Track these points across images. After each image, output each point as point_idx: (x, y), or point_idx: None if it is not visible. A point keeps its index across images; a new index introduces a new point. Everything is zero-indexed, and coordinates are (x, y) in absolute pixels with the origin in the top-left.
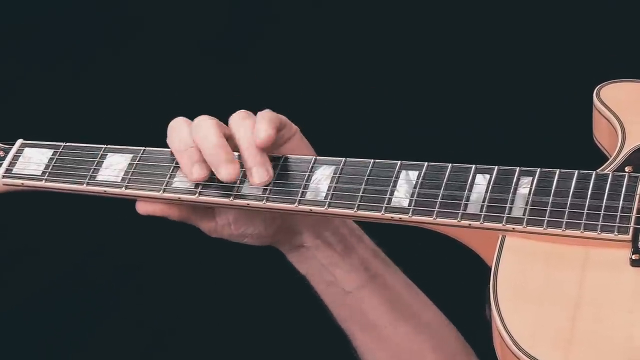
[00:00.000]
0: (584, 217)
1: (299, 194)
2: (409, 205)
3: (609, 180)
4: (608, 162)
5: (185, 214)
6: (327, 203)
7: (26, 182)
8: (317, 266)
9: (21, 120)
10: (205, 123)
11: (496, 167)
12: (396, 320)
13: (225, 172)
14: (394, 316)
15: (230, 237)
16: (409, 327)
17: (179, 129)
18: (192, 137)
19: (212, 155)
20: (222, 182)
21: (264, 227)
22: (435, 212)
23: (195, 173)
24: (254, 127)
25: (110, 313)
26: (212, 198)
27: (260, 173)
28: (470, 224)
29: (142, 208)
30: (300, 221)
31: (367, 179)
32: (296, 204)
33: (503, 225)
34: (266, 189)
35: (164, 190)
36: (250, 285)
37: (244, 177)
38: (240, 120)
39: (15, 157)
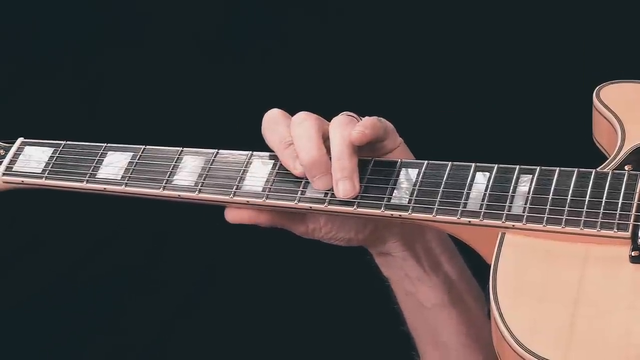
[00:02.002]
0: (584, 214)
1: (299, 192)
2: (409, 202)
3: (609, 177)
4: (607, 161)
5: (277, 220)
6: (327, 201)
7: (26, 180)
8: (400, 275)
9: (22, 118)
10: (305, 126)
11: (496, 165)
12: (467, 347)
13: (320, 184)
14: (467, 342)
15: (322, 239)
16: (478, 356)
17: (275, 124)
18: (291, 134)
19: (307, 168)
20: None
21: (355, 232)
22: (435, 209)
23: (299, 169)
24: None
25: (110, 313)
26: (211, 196)
27: (345, 186)
28: (470, 221)
29: (232, 216)
30: (392, 229)
31: (368, 177)
32: (295, 202)
33: (503, 222)
34: (265, 187)
35: (164, 188)
36: (251, 285)
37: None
38: (339, 125)
39: (16, 156)
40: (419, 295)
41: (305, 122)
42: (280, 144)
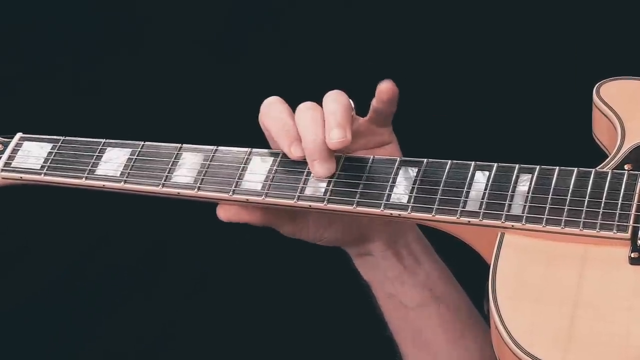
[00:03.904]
0: (583, 214)
1: (299, 190)
2: (408, 201)
3: (609, 178)
4: (607, 159)
5: (269, 219)
6: (326, 199)
7: (25, 176)
8: (381, 277)
9: (20, 113)
10: (312, 111)
11: (495, 164)
12: (451, 343)
13: (320, 170)
14: (450, 338)
15: (307, 239)
16: (463, 352)
17: (275, 110)
18: (295, 119)
19: (310, 151)
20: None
21: (341, 233)
22: (434, 208)
23: (295, 152)
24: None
25: (110, 312)
26: (211, 193)
27: (338, 134)
28: (469, 221)
29: (224, 214)
30: (374, 229)
31: (367, 175)
32: (295, 200)
33: (502, 222)
34: (265, 184)
35: (163, 185)
36: (252, 285)
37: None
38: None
39: (14, 151)
40: (400, 296)
41: (313, 107)
42: (279, 127)
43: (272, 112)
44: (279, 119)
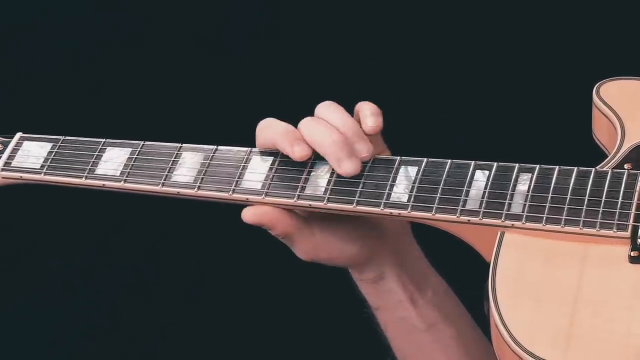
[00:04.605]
0: (583, 213)
1: (299, 189)
2: (408, 200)
3: (608, 177)
4: (607, 159)
5: (291, 228)
6: (326, 198)
7: (25, 175)
8: (393, 300)
9: (20, 113)
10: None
11: (495, 164)
12: None
13: (349, 166)
14: (461, 357)
15: (322, 259)
16: None
17: (272, 123)
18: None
19: (339, 145)
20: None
21: (357, 251)
22: (434, 208)
23: (299, 152)
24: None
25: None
26: (210, 193)
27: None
28: (469, 220)
29: (250, 216)
30: (383, 251)
31: (367, 174)
32: (295, 199)
33: (502, 221)
34: (265, 184)
35: (163, 184)
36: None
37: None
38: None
39: (14, 151)
40: (413, 318)
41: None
42: (282, 131)
43: (269, 123)
44: (279, 125)
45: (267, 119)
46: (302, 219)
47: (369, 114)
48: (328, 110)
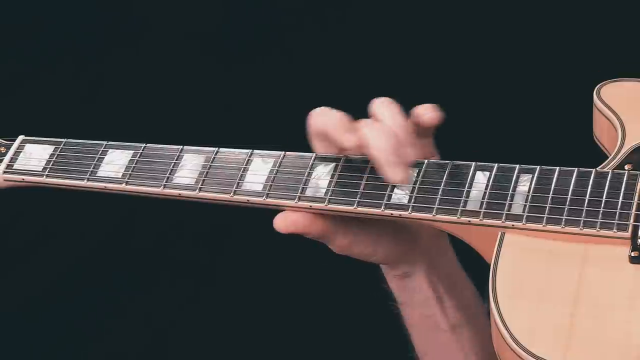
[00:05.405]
0: (583, 214)
1: (299, 190)
2: (409, 201)
3: (609, 177)
4: (608, 160)
5: (326, 230)
6: (327, 200)
7: (27, 178)
8: (420, 298)
9: (22, 116)
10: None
11: (496, 165)
12: None
13: (399, 174)
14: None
15: (358, 255)
16: None
17: (328, 110)
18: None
19: (394, 147)
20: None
21: (390, 250)
22: (434, 208)
23: (351, 141)
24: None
25: (110, 312)
26: (212, 194)
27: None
28: (469, 221)
29: (284, 224)
30: (419, 251)
31: (367, 175)
32: (296, 200)
33: (502, 222)
34: (266, 185)
35: (165, 186)
36: (252, 285)
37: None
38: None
39: (17, 153)
40: (436, 317)
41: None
42: (338, 117)
43: (324, 111)
44: (335, 112)
45: (322, 107)
46: (336, 219)
47: (425, 109)
48: (382, 106)
